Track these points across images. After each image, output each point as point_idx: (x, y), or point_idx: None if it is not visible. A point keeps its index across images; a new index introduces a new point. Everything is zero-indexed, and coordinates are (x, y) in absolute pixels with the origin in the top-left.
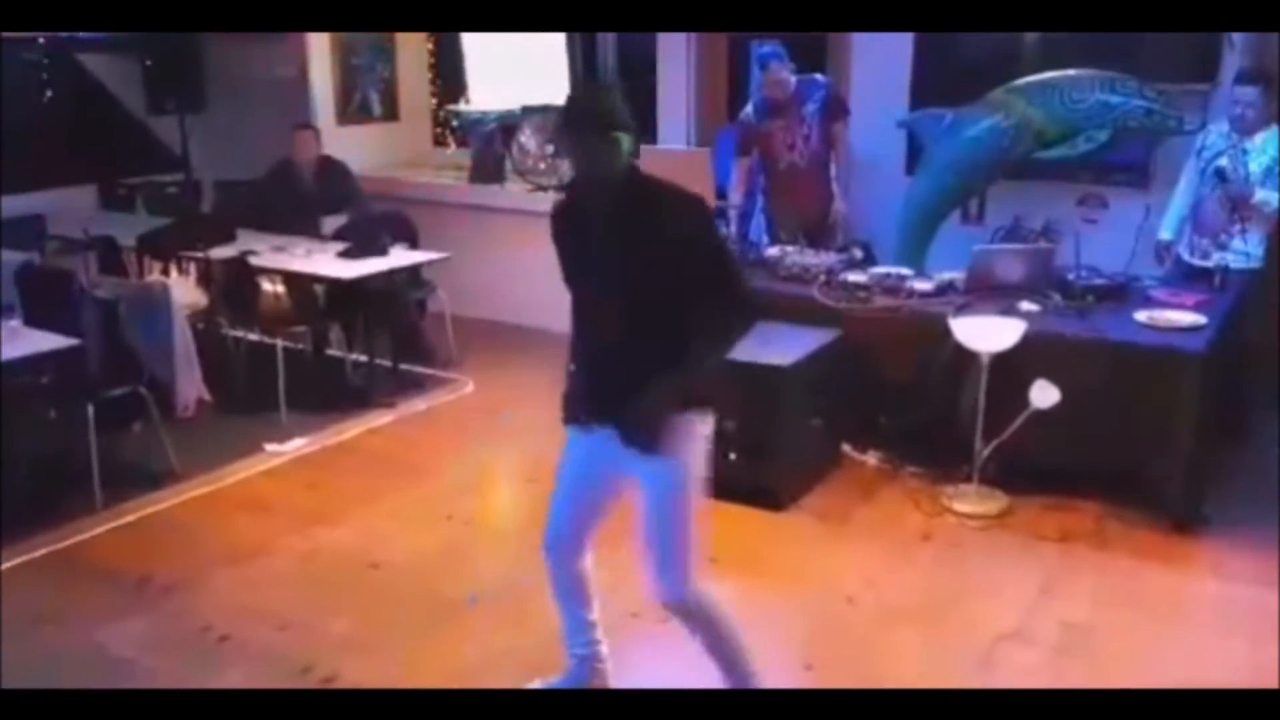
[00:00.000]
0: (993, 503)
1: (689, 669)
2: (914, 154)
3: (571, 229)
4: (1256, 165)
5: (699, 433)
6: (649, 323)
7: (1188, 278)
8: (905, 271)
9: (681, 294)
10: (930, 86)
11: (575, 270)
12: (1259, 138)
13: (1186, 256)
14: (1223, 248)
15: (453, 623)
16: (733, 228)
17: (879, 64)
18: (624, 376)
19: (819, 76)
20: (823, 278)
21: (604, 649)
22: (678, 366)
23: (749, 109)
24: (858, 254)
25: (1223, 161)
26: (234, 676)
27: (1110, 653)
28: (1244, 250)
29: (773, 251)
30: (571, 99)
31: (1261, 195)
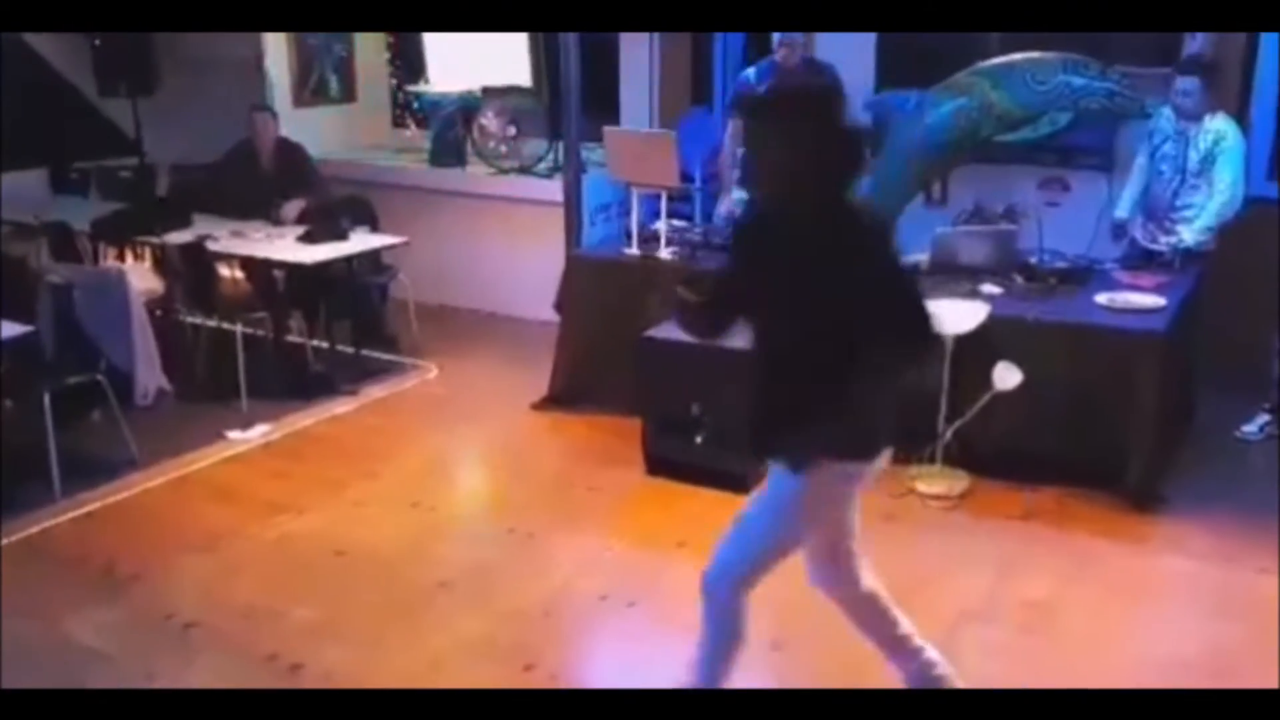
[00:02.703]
0: (956, 483)
1: (657, 649)
2: (878, 137)
3: (759, 244)
4: (1196, 153)
5: (839, 476)
6: (824, 349)
7: (1142, 260)
8: None
9: (856, 315)
10: (894, 69)
11: (758, 290)
12: (1204, 124)
13: (1140, 239)
14: (1169, 232)
15: (419, 609)
16: (696, 209)
17: (843, 47)
18: (792, 405)
19: (825, 63)
20: None
21: (931, 654)
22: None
23: (751, 71)
24: None
25: (1168, 147)
26: (200, 664)
27: (1072, 630)
28: (1192, 233)
29: None
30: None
31: (1182, 234)
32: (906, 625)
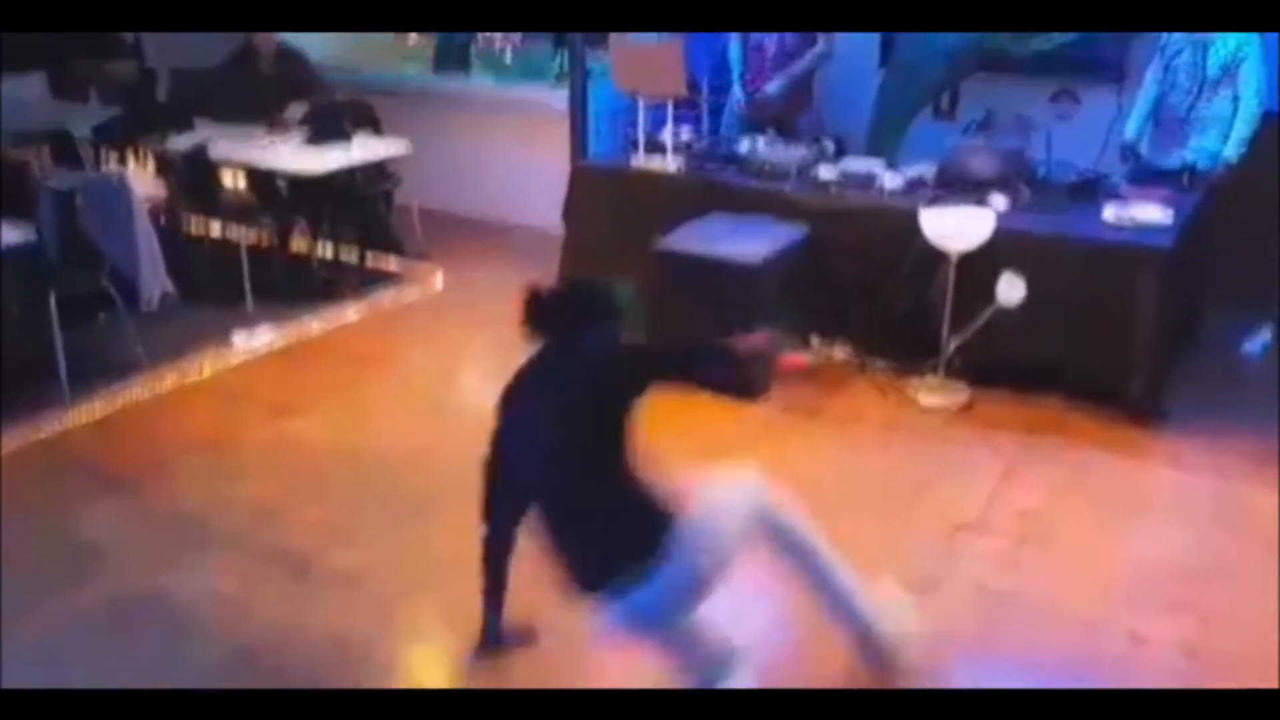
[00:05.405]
0: (957, 395)
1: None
2: (886, 48)
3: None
4: (1215, 62)
5: None
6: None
7: (1152, 177)
8: (876, 166)
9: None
10: None
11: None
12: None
13: (1148, 155)
14: (1183, 145)
15: (428, 513)
16: (703, 118)
17: None
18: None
19: None
20: (793, 173)
21: None
22: None
23: None
24: (829, 147)
25: (1184, 56)
26: (208, 563)
27: (1068, 540)
28: (1204, 148)
29: (744, 147)
30: None
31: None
32: None
